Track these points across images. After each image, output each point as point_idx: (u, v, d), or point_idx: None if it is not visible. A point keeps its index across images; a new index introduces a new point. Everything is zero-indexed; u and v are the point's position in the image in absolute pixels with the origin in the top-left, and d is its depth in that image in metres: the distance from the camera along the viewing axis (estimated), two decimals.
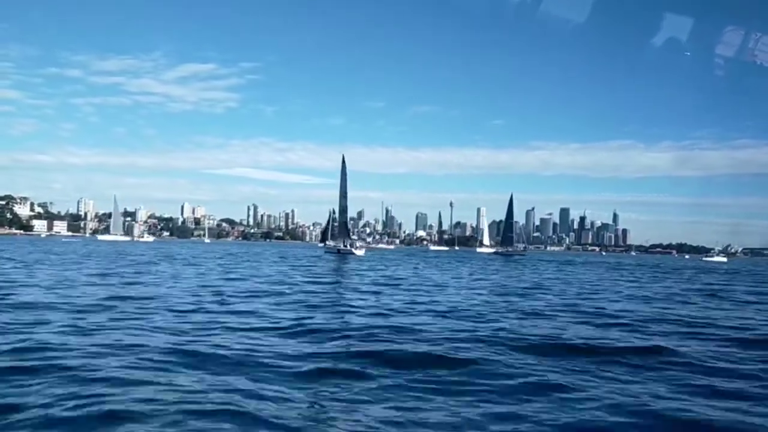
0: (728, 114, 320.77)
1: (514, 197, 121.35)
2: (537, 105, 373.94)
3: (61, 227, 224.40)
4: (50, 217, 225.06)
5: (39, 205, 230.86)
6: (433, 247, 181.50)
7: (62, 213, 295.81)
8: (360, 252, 74.99)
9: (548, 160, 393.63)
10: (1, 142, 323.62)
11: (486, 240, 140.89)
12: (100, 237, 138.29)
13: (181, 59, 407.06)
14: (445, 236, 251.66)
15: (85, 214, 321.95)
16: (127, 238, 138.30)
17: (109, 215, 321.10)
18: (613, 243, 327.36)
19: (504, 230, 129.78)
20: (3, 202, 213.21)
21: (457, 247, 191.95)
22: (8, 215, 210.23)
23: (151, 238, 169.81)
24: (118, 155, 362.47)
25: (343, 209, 75.69)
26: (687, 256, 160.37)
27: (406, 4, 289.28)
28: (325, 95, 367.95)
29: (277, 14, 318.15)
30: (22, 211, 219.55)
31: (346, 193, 75.02)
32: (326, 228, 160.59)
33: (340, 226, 77.37)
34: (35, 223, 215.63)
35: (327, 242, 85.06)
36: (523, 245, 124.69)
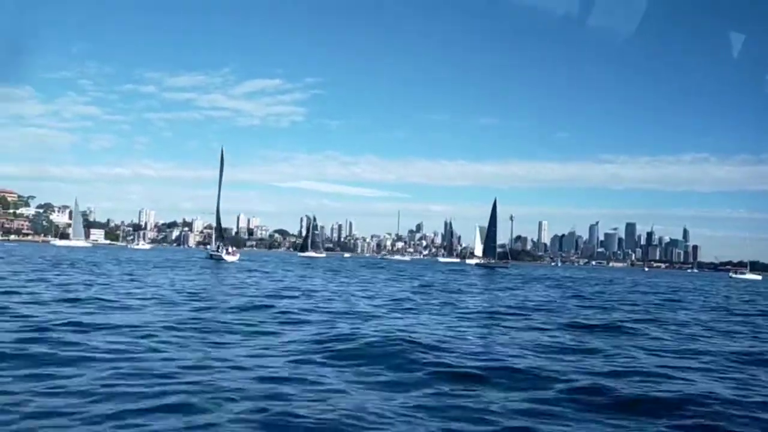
0: None
1: (497, 202, 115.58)
2: (604, 118, 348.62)
3: (98, 235, 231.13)
4: (88, 225, 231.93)
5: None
6: (442, 260, 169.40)
7: (126, 223, 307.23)
8: (232, 257, 67.77)
9: (617, 173, 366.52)
10: (82, 156, 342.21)
11: (478, 251, 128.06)
12: (58, 242, 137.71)
13: (248, 75, 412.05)
14: (501, 250, 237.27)
15: (146, 224, 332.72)
16: (86, 244, 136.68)
17: (169, 225, 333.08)
18: (682, 260, 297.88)
19: (486, 240, 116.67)
20: (41, 210, 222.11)
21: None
22: (44, 223, 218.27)
23: (147, 246, 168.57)
24: (190, 168, 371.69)
25: (218, 208, 66.92)
26: (731, 274, 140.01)
27: (467, 20, 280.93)
28: (388, 108, 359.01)
29: (339, 30, 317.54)
30: (60, 219, 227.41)
31: (220, 190, 66.21)
32: (306, 236, 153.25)
33: (216, 229, 68.72)
34: (71, 231, 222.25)
35: (208, 246, 76.95)
36: (505, 259, 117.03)
